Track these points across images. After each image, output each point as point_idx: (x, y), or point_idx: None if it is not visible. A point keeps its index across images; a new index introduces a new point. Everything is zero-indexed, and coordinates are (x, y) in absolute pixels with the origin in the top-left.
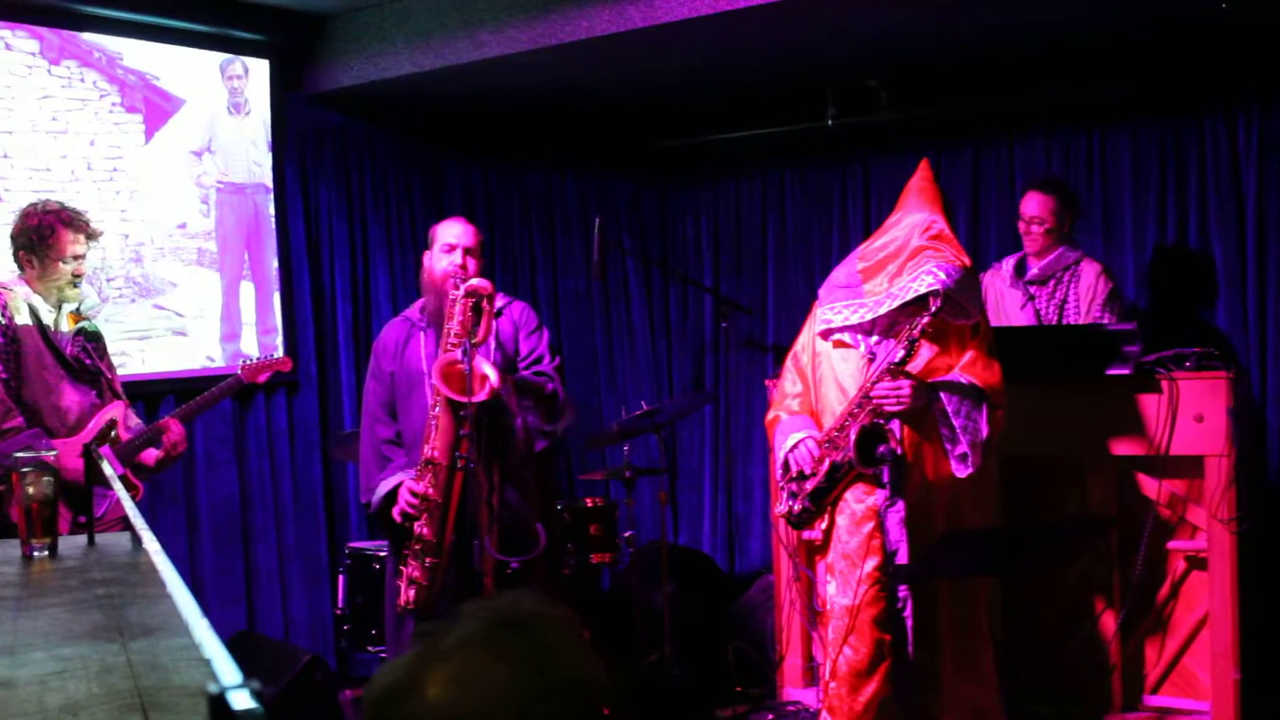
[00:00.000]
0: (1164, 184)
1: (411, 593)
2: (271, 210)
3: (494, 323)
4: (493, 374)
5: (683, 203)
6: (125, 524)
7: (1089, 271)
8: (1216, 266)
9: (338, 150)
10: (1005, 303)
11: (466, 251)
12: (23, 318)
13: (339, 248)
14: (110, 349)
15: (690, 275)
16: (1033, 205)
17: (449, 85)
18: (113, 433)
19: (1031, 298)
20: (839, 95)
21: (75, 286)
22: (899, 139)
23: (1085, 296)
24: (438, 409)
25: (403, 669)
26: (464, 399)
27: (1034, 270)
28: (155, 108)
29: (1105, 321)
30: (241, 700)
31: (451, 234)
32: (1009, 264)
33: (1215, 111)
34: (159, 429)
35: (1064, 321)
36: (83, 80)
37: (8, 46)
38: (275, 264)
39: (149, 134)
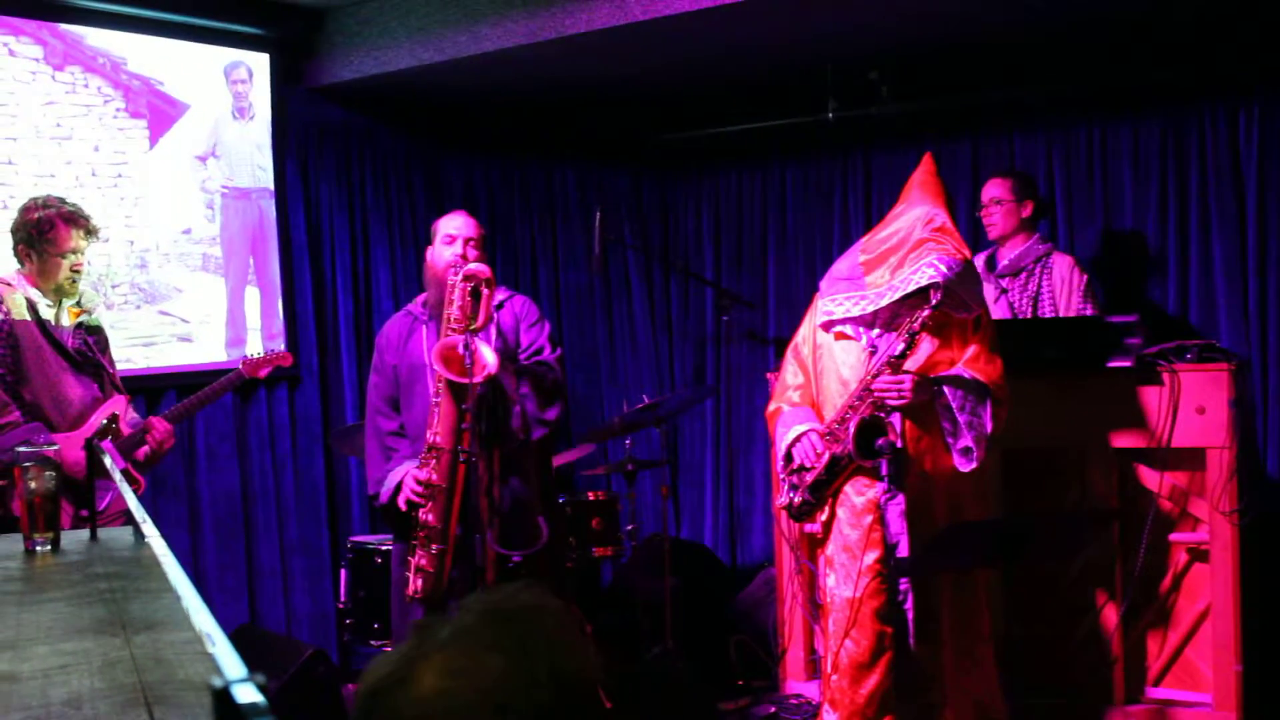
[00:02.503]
0: (1164, 176)
1: (419, 581)
2: (275, 214)
3: (495, 312)
4: (491, 357)
5: (683, 196)
6: (127, 518)
7: (1061, 264)
8: (1216, 259)
9: (338, 144)
10: None
11: (468, 242)
12: (20, 314)
13: (340, 241)
14: (115, 355)
15: (691, 268)
16: (991, 188)
17: (449, 79)
18: (114, 426)
19: (1004, 290)
20: (840, 88)
21: (74, 283)
22: (900, 132)
23: (1061, 288)
24: (440, 396)
25: (397, 660)
26: (464, 379)
27: (1004, 262)
28: (159, 113)
29: (1087, 312)
30: (246, 694)
31: (453, 226)
32: (979, 260)
33: (1216, 103)
34: (144, 428)
35: (1039, 313)
36: (86, 86)
37: (11, 53)
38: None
39: (153, 139)
